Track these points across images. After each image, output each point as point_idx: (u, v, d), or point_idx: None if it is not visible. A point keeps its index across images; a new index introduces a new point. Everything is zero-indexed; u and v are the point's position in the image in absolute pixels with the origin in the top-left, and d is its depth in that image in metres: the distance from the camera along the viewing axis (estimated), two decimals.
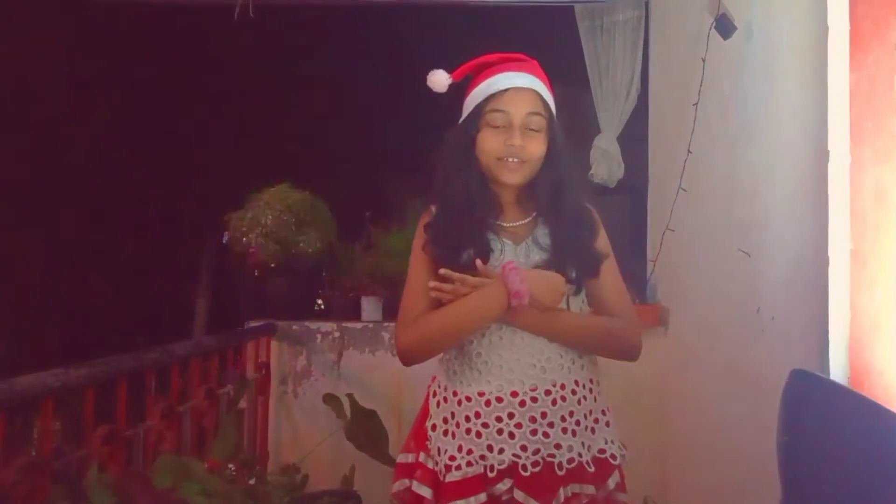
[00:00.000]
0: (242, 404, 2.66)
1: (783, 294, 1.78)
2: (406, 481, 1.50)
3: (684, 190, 2.52)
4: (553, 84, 1.54)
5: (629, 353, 1.53)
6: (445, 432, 1.46)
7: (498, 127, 1.46)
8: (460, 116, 1.54)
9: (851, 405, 1.16)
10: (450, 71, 1.54)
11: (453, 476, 1.41)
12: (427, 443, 1.48)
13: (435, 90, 1.55)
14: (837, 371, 1.39)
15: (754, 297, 1.95)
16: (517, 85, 1.47)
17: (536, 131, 1.47)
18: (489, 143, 1.47)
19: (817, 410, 1.16)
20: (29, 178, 5.69)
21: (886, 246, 1.30)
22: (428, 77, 1.55)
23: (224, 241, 3.05)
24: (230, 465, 2.14)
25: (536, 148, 1.47)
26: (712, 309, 2.35)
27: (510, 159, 1.45)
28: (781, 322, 1.80)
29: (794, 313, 1.69)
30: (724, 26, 2.09)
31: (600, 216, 1.55)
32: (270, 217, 2.96)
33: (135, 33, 5.55)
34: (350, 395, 2.67)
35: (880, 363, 1.30)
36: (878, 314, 1.31)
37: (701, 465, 2.46)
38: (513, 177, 1.47)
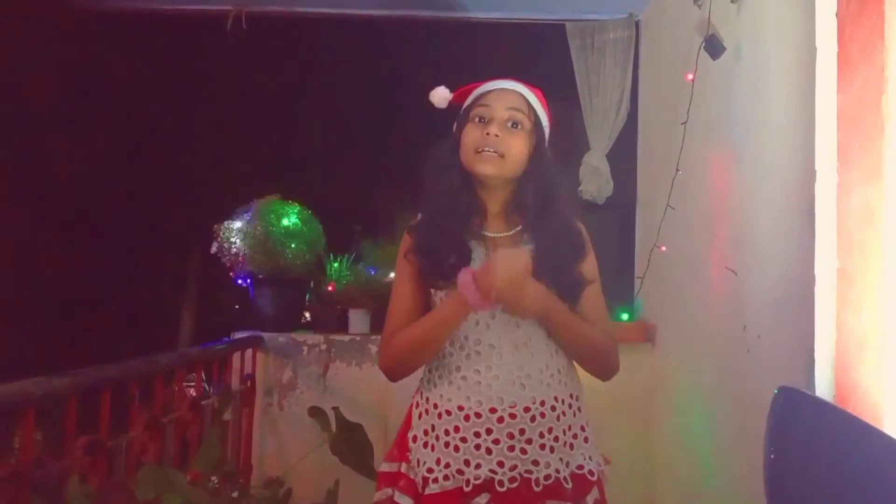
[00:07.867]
0: (227, 416, 2.64)
1: (770, 312, 1.78)
2: (388, 490, 1.49)
3: (672, 208, 2.54)
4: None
5: (609, 370, 1.53)
6: (425, 444, 1.46)
7: (480, 122, 1.48)
8: (449, 129, 1.57)
9: (838, 422, 1.16)
10: (448, 86, 1.57)
11: (432, 489, 1.41)
12: (408, 453, 1.48)
13: (436, 105, 1.58)
14: (823, 390, 1.40)
15: (741, 315, 1.96)
16: (502, 87, 1.52)
17: (518, 129, 1.48)
18: (469, 137, 1.49)
19: (804, 427, 1.16)
20: (12, 185, 5.65)
21: (873, 265, 1.31)
22: (431, 93, 1.58)
23: (212, 251, 3.04)
24: (213, 478, 2.11)
25: (516, 144, 1.47)
26: (699, 326, 2.36)
27: (486, 149, 1.45)
28: (768, 340, 1.81)
29: (780, 332, 1.70)
30: (714, 47, 2.11)
31: (588, 233, 1.54)
32: (259, 228, 2.95)
33: (125, 42, 5.54)
34: (336, 409, 2.65)
35: (866, 382, 1.31)
36: (864, 333, 1.32)
37: (687, 483, 2.46)
38: (487, 167, 1.46)
